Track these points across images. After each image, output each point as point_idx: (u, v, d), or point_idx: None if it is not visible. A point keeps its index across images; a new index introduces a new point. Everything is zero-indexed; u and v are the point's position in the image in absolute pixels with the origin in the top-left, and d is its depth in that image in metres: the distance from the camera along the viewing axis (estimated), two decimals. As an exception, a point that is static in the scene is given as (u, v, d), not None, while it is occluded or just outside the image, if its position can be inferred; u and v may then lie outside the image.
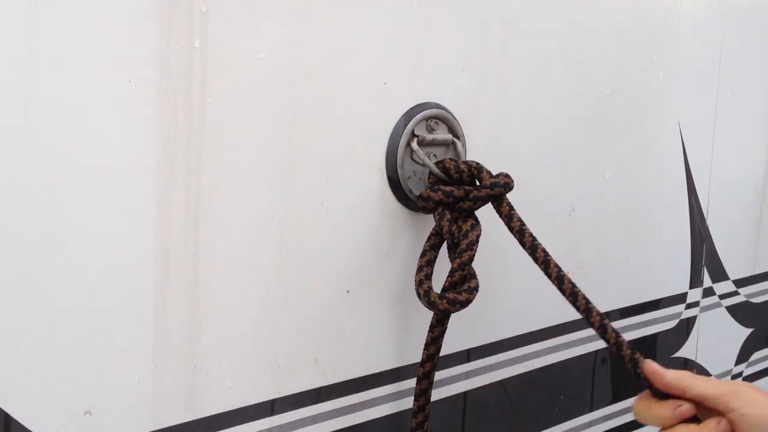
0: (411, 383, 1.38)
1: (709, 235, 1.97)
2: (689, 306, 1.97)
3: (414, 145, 1.31)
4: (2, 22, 0.93)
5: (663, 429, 1.09)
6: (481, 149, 1.40)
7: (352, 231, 1.28)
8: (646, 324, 1.83)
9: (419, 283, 1.26)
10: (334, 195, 1.25)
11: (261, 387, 1.20)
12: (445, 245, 1.32)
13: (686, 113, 1.85)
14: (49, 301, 1.00)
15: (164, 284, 1.09)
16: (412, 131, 1.31)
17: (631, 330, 1.79)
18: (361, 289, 1.30)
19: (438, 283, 1.29)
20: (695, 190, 1.91)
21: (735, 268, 2.07)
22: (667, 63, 1.78)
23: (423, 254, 1.30)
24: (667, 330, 1.89)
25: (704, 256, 1.97)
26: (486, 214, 1.31)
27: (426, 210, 1.32)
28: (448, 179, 1.32)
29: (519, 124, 1.50)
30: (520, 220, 1.26)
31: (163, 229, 1.08)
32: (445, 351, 1.34)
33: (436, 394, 1.40)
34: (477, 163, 1.30)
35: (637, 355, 1.13)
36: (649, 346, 1.86)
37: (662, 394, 1.10)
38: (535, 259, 1.23)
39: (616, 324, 1.74)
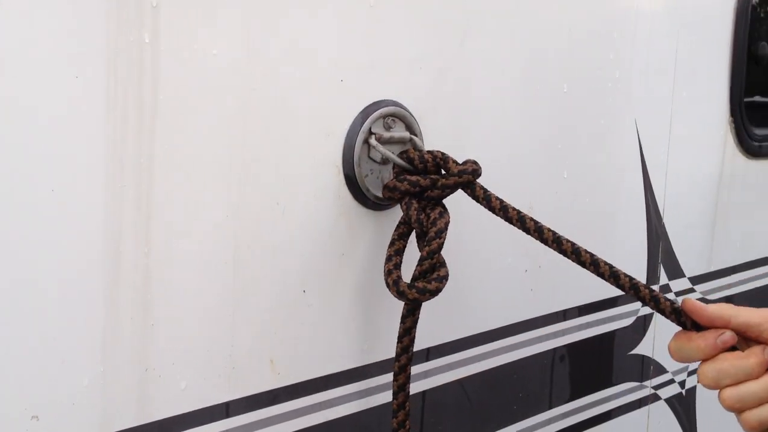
0: (372, 382, 1.37)
1: (666, 233, 1.99)
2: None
3: (373, 140, 1.30)
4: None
5: (704, 361, 1.08)
6: (439, 147, 1.39)
7: (309, 230, 1.27)
8: (603, 321, 1.84)
9: (388, 273, 1.24)
10: (290, 193, 1.23)
11: (216, 389, 1.19)
12: (413, 235, 1.31)
13: (643, 112, 1.86)
14: (-6, 303, 0.97)
15: (115, 285, 1.07)
16: (369, 129, 1.30)
17: (588, 327, 1.80)
18: (318, 289, 1.29)
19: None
20: (652, 189, 1.93)
21: (691, 266, 2.10)
22: (624, 62, 1.79)
23: (391, 243, 1.29)
24: (625, 327, 1.91)
25: (660, 254, 1.99)
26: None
27: (392, 200, 1.31)
28: (412, 169, 1.31)
29: (476, 123, 1.50)
30: (498, 198, 1.25)
31: (113, 228, 1.06)
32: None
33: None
34: (442, 153, 1.30)
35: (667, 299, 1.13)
36: (606, 343, 1.88)
37: (700, 330, 1.09)
38: (527, 230, 1.22)
39: (574, 322, 1.75)
